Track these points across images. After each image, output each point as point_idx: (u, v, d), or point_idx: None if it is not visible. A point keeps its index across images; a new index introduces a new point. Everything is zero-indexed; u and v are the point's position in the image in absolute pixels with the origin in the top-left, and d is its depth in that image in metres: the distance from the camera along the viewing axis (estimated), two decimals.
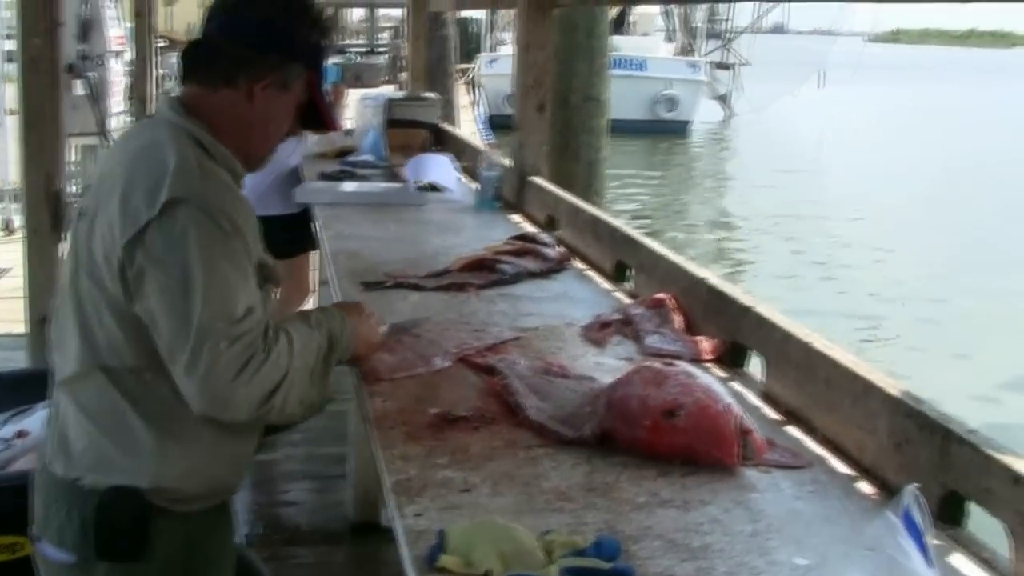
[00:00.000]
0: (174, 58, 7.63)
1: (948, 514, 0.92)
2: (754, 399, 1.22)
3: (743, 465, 1.00)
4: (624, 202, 10.14)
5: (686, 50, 20.28)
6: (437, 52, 7.55)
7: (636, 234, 1.76)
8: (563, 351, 1.35)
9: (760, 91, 19.84)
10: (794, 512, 0.93)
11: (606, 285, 1.77)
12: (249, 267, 1.04)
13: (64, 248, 2.11)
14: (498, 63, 16.09)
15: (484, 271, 1.72)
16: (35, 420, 1.59)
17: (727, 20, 23.40)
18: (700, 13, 21.12)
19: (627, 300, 1.63)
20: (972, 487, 0.89)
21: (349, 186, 2.64)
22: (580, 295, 1.67)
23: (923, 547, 0.83)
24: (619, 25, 18.64)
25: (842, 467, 1.03)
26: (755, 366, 1.29)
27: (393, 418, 1.11)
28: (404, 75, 6.30)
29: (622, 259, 1.78)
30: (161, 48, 6.53)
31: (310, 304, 3.10)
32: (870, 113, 20.95)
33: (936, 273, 7.20)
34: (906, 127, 18.24)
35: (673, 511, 0.92)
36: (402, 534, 0.87)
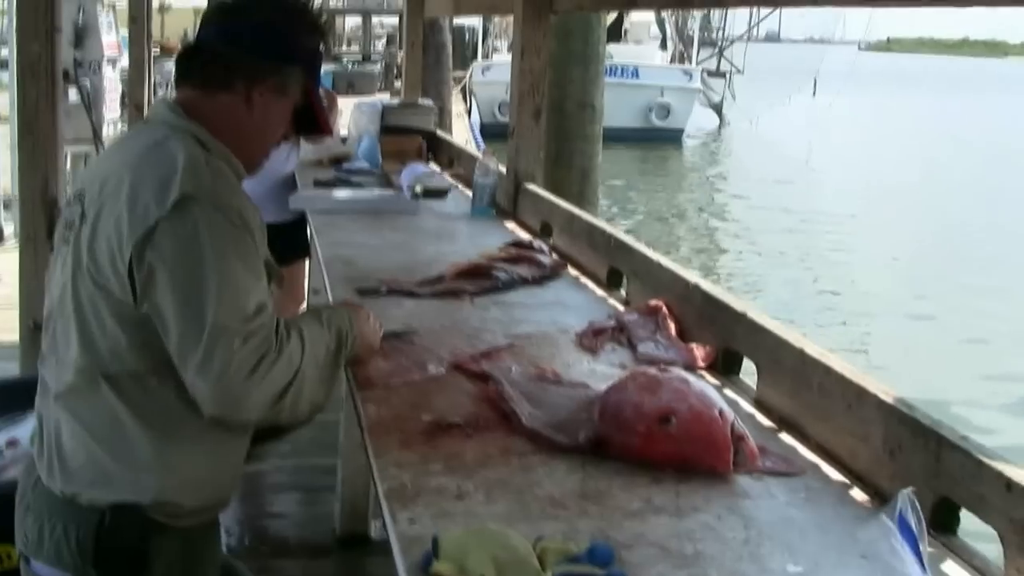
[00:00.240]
0: (168, 65, 7.63)
1: (941, 521, 0.92)
2: (747, 406, 1.22)
3: (736, 472, 1.00)
4: (623, 216, 10.17)
5: (680, 58, 20.40)
6: (432, 59, 7.57)
7: (630, 241, 1.77)
8: (557, 358, 1.36)
9: (754, 99, 19.96)
10: (787, 519, 0.93)
11: (600, 292, 1.77)
12: (260, 263, 1.03)
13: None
14: (492, 71, 16.13)
15: (479, 278, 1.72)
16: (26, 429, 1.58)
17: (721, 28, 23.57)
18: (694, 21, 21.26)
19: (621, 307, 1.63)
20: (965, 494, 0.89)
21: (343, 193, 2.65)
22: (574, 302, 1.68)
23: (917, 550, 0.84)
24: (616, 33, 18.75)
25: (835, 474, 1.04)
26: (749, 373, 1.30)
27: (387, 425, 1.10)
28: (398, 83, 6.31)
29: (616, 266, 1.79)
30: (155, 56, 6.53)
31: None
32: (862, 122, 21.10)
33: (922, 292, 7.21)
34: (898, 137, 18.36)
35: (666, 518, 0.92)
36: (396, 541, 0.86)
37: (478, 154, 2.77)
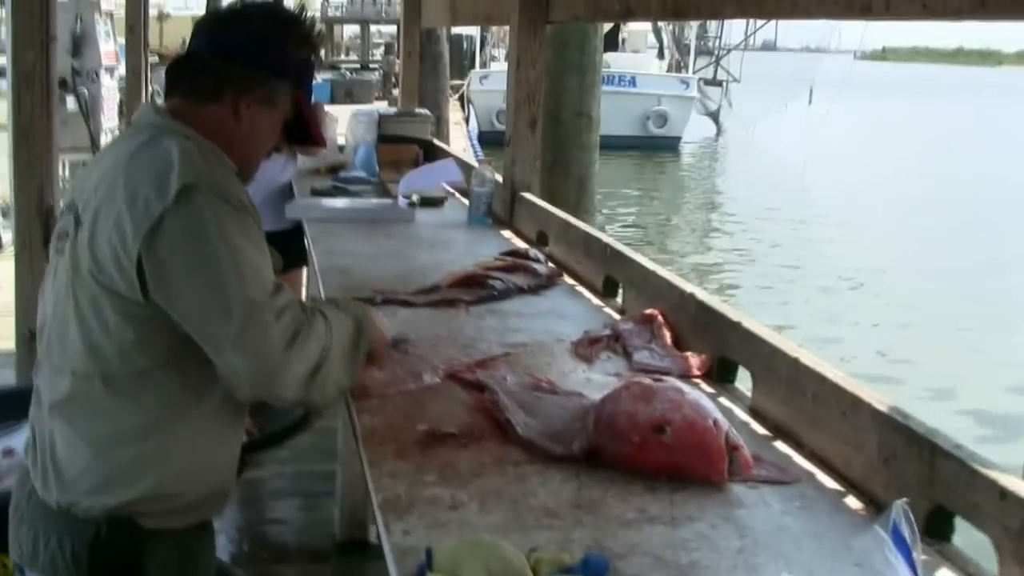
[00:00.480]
0: None
1: (936, 529, 0.92)
2: (742, 414, 1.22)
3: (731, 481, 1.00)
4: (618, 223, 10.19)
5: (677, 67, 20.51)
6: (429, 68, 7.59)
7: (625, 250, 1.77)
8: (552, 367, 1.36)
9: (750, 107, 20.06)
10: (782, 528, 0.93)
11: (596, 301, 1.77)
12: (265, 247, 1.04)
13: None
14: (489, 80, 16.20)
15: (474, 287, 1.72)
16: (22, 438, 1.57)
17: (717, 37, 23.71)
18: (691, 31, 21.39)
19: (617, 316, 1.64)
20: (959, 502, 0.89)
21: (340, 202, 2.65)
22: (570, 311, 1.68)
23: (911, 562, 0.84)
24: (613, 42, 18.85)
25: (830, 482, 1.03)
26: (744, 381, 1.30)
27: (382, 435, 1.10)
28: (396, 91, 6.33)
29: (611, 275, 1.79)
30: (153, 64, 6.55)
31: None
32: (858, 130, 21.21)
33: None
34: (893, 145, 18.46)
35: (661, 527, 0.91)
36: (389, 552, 0.86)
37: (475, 163, 2.78)
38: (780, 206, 11.55)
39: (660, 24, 20.49)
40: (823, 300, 7.42)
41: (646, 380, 1.07)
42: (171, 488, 1.05)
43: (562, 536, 0.89)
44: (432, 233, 2.32)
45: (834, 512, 0.97)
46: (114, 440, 1.03)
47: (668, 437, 0.98)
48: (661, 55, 21.43)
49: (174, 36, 14.69)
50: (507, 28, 2.71)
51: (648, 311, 1.50)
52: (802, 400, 1.12)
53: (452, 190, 2.92)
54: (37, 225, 2.17)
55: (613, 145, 14.33)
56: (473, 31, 22.09)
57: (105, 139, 5.94)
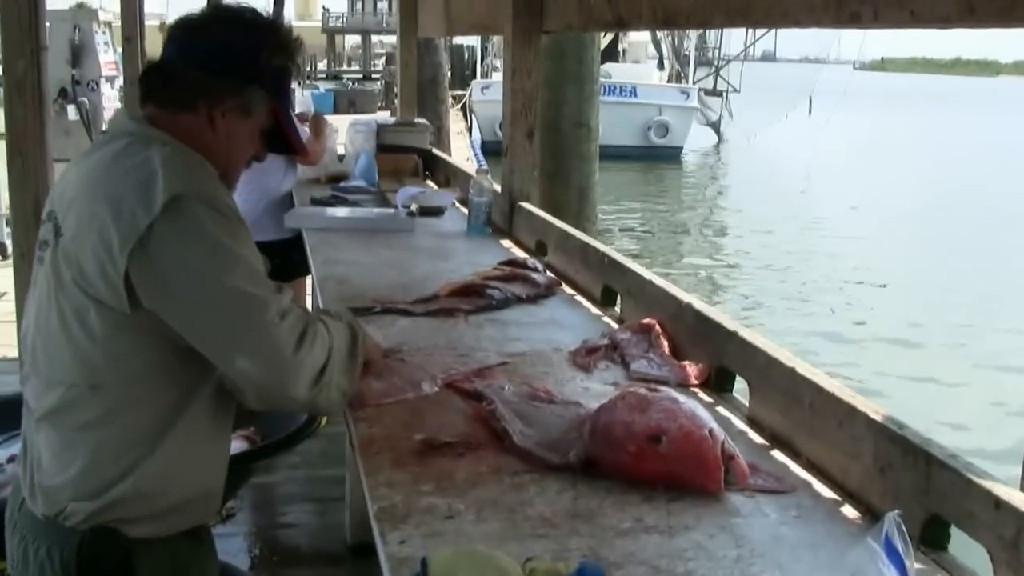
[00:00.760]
0: None
1: (932, 538, 0.92)
2: (740, 423, 1.22)
3: (728, 490, 1.00)
4: (623, 236, 10.21)
5: (677, 77, 20.61)
6: (429, 78, 7.63)
7: (623, 259, 1.77)
8: (550, 376, 1.36)
9: (750, 117, 20.13)
10: (778, 537, 0.93)
11: (594, 310, 1.78)
12: (256, 251, 1.03)
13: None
14: (491, 89, 16.28)
15: (473, 296, 1.72)
16: None
17: (717, 48, 23.83)
18: (690, 41, 21.51)
19: (615, 325, 1.64)
20: (954, 511, 0.89)
21: (339, 211, 2.66)
22: (568, 320, 1.68)
23: (904, 574, 0.84)
24: (613, 53, 18.96)
25: (827, 492, 1.03)
26: (742, 390, 1.30)
27: (379, 444, 1.10)
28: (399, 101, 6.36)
29: (609, 284, 1.79)
30: None
31: None
32: (858, 139, 21.27)
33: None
34: (892, 154, 18.51)
35: (657, 537, 0.91)
36: (385, 561, 0.86)
37: (473, 172, 2.79)
38: (784, 217, 11.58)
39: (659, 35, 20.64)
40: (828, 308, 7.42)
41: (641, 390, 1.07)
42: (152, 488, 1.03)
43: (558, 545, 0.89)
44: (432, 242, 2.33)
45: (830, 522, 0.97)
46: (101, 447, 1.02)
47: (664, 447, 0.98)
48: (661, 65, 21.55)
49: None
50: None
51: (646, 320, 1.50)
52: (799, 410, 1.12)
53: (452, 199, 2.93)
54: (34, 234, 2.17)
55: (615, 155, 14.39)
56: (474, 41, 22.23)
57: None
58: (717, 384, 1.33)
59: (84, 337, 1.00)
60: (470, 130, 16.59)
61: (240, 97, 1.08)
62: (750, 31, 20.75)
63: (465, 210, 2.59)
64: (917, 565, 0.84)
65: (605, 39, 16.75)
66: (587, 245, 1.95)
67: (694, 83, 20.19)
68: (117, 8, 5.22)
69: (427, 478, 1.01)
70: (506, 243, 2.37)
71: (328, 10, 46.94)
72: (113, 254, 0.97)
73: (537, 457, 1.06)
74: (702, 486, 0.99)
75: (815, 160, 16.74)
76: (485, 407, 1.18)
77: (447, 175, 3.42)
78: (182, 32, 1.10)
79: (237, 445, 1.83)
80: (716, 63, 23.03)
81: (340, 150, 3.50)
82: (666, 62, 21.56)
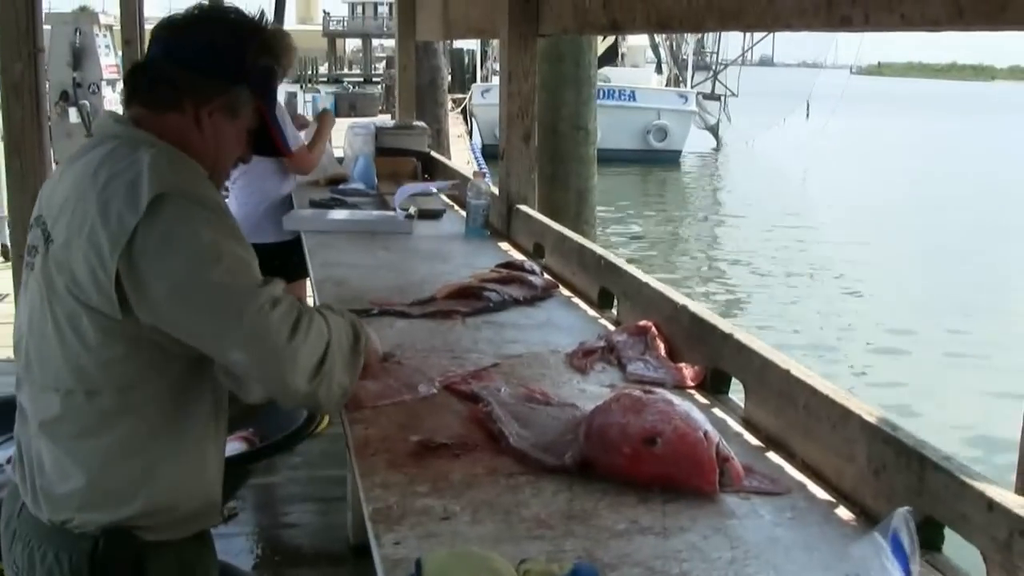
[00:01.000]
0: None
1: (926, 539, 0.92)
2: (736, 425, 1.22)
3: (723, 492, 1.00)
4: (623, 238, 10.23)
5: (675, 81, 20.66)
6: (427, 81, 7.64)
7: (619, 261, 1.78)
8: (547, 378, 1.36)
9: (748, 121, 20.18)
10: (773, 539, 0.93)
11: (592, 312, 1.78)
12: (247, 244, 1.03)
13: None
14: (491, 93, 16.30)
15: (470, 299, 1.73)
16: None
17: (715, 52, 23.90)
18: (688, 46, 21.58)
19: (611, 327, 1.64)
20: (948, 513, 0.89)
21: (337, 214, 2.66)
22: (565, 322, 1.69)
23: (908, 571, 0.84)
24: (612, 57, 19.01)
25: (821, 493, 1.04)
26: (738, 392, 1.30)
27: (374, 445, 1.11)
28: None
29: (606, 286, 1.80)
30: None
31: None
32: (855, 143, 21.33)
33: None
34: (888, 157, 18.57)
35: (652, 538, 0.92)
36: (380, 562, 0.86)
37: (471, 175, 2.80)
38: (781, 218, 11.61)
39: (658, 39, 20.69)
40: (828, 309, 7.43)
41: (636, 392, 1.07)
42: (164, 503, 1.04)
43: (553, 547, 0.89)
44: (430, 245, 2.33)
45: (825, 523, 0.97)
46: (102, 456, 1.02)
47: (659, 448, 0.98)
48: (659, 70, 21.60)
49: None
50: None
51: (642, 323, 1.50)
52: (794, 411, 1.12)
53: (450, 202, 2.94)
54: None
55: (615, 159, 14.42)
56: (474, 45, 22.26)
57: None
58: (713, 386, 1.34)
59: (78, 343, 1.00)
60: (470, 134, 16.62)
61: (226, 96, 1.07)
62: (747, 36, 20.84)
63: (463, 212, 2.60)
64: (918, 567, 0.84)
65: (604, 43, 16.83)
66: (584, 247, 1.96)
67: (692, 87, 20.24)
68: (118, 11, 5.23)
69: (423, 479, 1.02)
70: (504, 246, 2.37)
71: (329, 14, 47.05)
72: (103, 259, 0.96)
73: (533, 459, 1.06)
74: (697, 488, 0.99)
75: (813, 164, 16.79)
76: (481, 409, 1.18)
77: (446, 178, 3.43)
78: (167, 32, 1.09)
79: (236, 446, 1.83)
80: (714, 67, 23.09)
81: (338, 153, 3.51)
82: (664, 66, 21.61)
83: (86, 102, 6.26)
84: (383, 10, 39.85)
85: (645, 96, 17.63)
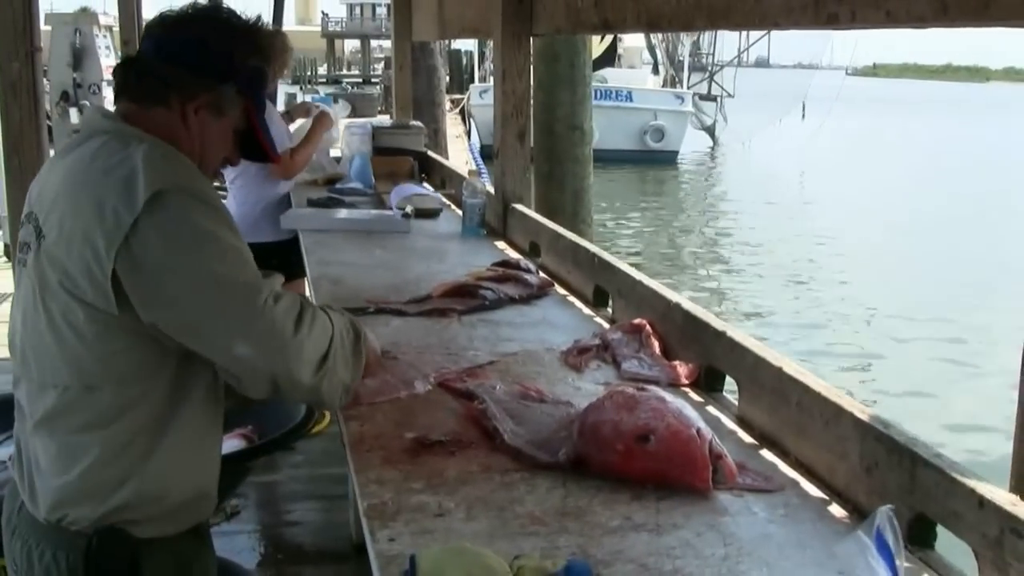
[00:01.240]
0: None
1: (919, 536, 0.93)
2: (730, 423, 1.23)
3: (716, 489, 1.00)
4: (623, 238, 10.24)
5: (672, 82, 20.70)
6: (425, 82, 7.64)
7: (613, 260, 1.78)
8: (542, 375, 1.36)
9: (745, 122, 20.23)
10: (766, 536, 0.93)
11: (587, 311, 1.79)
12: (242, 239, 1.03)
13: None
14: (489, 94, 16.31)
15: (466, 297, 1.73)
16: None
17: (711, 54, 23.95)
18: (684, 47, 21.62)
19: (606, 325, 1.65)
20: (939, 510, 0.90)
21: (335, 213, 2.67)
22: (560, 321, 1.69)
23: (893, 568, 0.84)
24: (609, 59, 19.04)
25: (814, 490, 1.04)
26: (732, 390, 1.31)
27: (370, 442, 1.11)
28: None
29: (601, 285, 1.80)
30: None
31: None
32: (850, 143, 21.40)
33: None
34: (883, 157, 18.63)
35: (646, 535, 0.92)
36: (374, 558, 0.87)
37: (466, 174, 2.80)
38: (780, 219, 11.65)
39: (654, 40, 20.72)
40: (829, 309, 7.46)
41: (629, 389, 1.07)
42: (152, 491, 1.04)
43: (547, 543, 0.89)
44: (426, 244, 2.34)
45: (818, 520, 0.98)
46: (99, 450, 1.02)
47: (652, 446, 0.99)
48: (656, 71, 21.64)
49: None
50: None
51: (636, 321, 1.51)
52: (787, 409, 1.13)
53: (447, 201, 2.95)
54: None
55: (612, 159, 14.44)
56: (472, 46, 22.28)
57: None
58: (707, 384, 1.34)
59: (74, 339, 0.99)
60: (468, 134, 16.62)
61: (212, 94, 1.08)
62: (743, 37, 20.89)
63: (459, 211, 2.60)
64: (904, 564, 0.85)
65: (601, 45, 16.87)
66: (578, 246, 1.96)
67: (689, 88, 20.28)
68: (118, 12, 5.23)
69: (417, 476, 1.02)
70: (500, 244, 2.38)
71: (327, 15, 47.04)
72: (99, 255, 0.96)
73: (527, 456, 1.06)
74: (690, 485, 0.99)
75: (809, 164, 16.84)
76: (476, 406, 1.19)
77: (442, 177, 3.43)
78: (159, 29, 1.10)
79: (235, 444, 1.83)
80: (710, 68, 23.14)
81: (335, 152, 3.51)
82: (661, 67, 21.65)
83: (86, 102, 6.26)
84: (381, 11, 39.85)
85: (642, 97, 17.66)
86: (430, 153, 3.72)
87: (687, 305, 1.43)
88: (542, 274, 1.95)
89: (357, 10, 44.35)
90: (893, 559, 0.85)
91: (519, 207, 2.43)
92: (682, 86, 20.31)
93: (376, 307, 1.67)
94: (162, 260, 0.96)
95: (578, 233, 2.19)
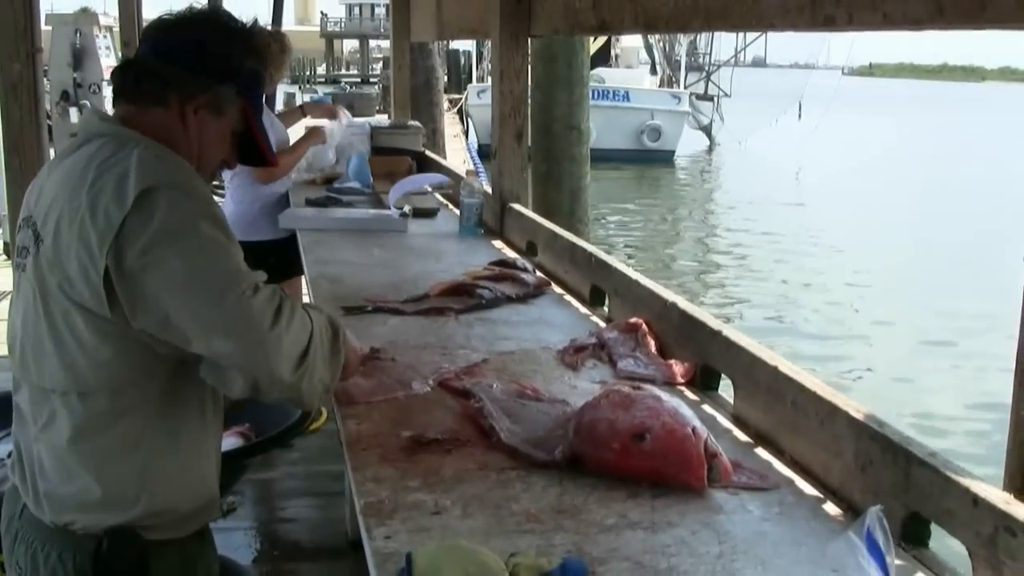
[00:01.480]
0: None
1: (913, 534, 0.93)
2: (725, 421, 1.23)
3: (712, 487, 1.01)
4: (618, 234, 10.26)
5: (669, 82, 20.73)
6: (422, 81, 7.64)
7: (610, 259, 1.79)
8: (538, 374, 1.37)
9: (741, 122, 20.25)
10: (760, 534, 0.94)
11: (583, 310, 1.79)
12: (233, 236, 1.03)
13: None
14: (487, 93, 16.26)
15: (463, 296, 1.74)
16: None
17: (707, 54, 23.97)
18: (681, 47, 21.65)
19: (603, 324, 1.65)
20: (933, 508, 0.90)
21: (333, 212, 2.67)
22: (557, 320, 1.69)
23: (884, 568, 0.85)
24: (606, 59, 19.06)
25: (809, 489, 1.05)
26: (728, 388, 1.31)
27: (367, 441, 1.11)
28: None
29: (598, 284, 1.81)
30: None
31: None
32: (846, 143, 21.44)
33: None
34: (879, 156, 18.68)
35: (641, 533, 0.92)
36: (371, 556, 0.87)
37: (464, 174, 2.81)
38: (777, 218, 11.67)
39: (651, 41, 20.73)
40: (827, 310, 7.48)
41: (625, 388, 1.08)
42: (166, 504, 1.04)
43: (543, 541, 0.90)
44: (424, 243, 2.34)
45: (812, 518, 0.98)
46: (101, 457, 1.02)
47: (648, 444, 0.99)
48: (653, 71, 21.66)
49: None
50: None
51: (633, 320, 1.51)
52: (782, 408, 1.13)
53: (444, 200, 2.95)
54: None
55: (609, 159, 14.43)
56: (470, 46, 22.27)
57: None
58: (703, 383, 1.35)
59: (73, 344, 1.00)
60: (466, 134, 16.63)
61: (211, 94, 1.08)
62: (740, 37, 20.91)
63: (457, 211, 2.61)
64: (898, 561, 0.85)
65: (596, 44, 16.87)
66: (575, 245, 1.97)
67: (686, 88, 20.30)
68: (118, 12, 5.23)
69: (414, 474, 1.02)
70: (498, 244, 2.38)
71: (326, 15, 47.01)
72: (93, 255, 0.96)
73: (523, 454, 1.07)
74: (685, 483, 1.00)
75: (806, 163, 16.87)
76: (473, 404, 1.19)
77: None
78: (156, 31, 1.11)
79: (232, 441, 1.83)
80: (707, 68, 23.16)
81: (331, 156, 3.50)
82: (658, 67, 21.67)
83: (86, 102, 6.25)
84: (380, 11, 39.84)
85: (639, 97, 17.68)
86: (428, 153, 3.72)
87: (683, 304, 1.44)
88: (539, 273, 1.95)
89: (356, 10, 44.35)
90: (884, 559, 0.85)
91: (516, 206, 2.44)
92: (679, 86, 20.33)
93: (374, 306, 1.67)
94: (144, 255, 0.96)
95: (575, 232, 2.19)
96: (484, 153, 13.25)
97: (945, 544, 0.93)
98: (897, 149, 20.76)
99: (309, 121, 3.27)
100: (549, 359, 1.44)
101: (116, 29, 6.01)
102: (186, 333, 0.98)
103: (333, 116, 3.23)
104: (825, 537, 0.93)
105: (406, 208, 2.62)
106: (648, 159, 16.90)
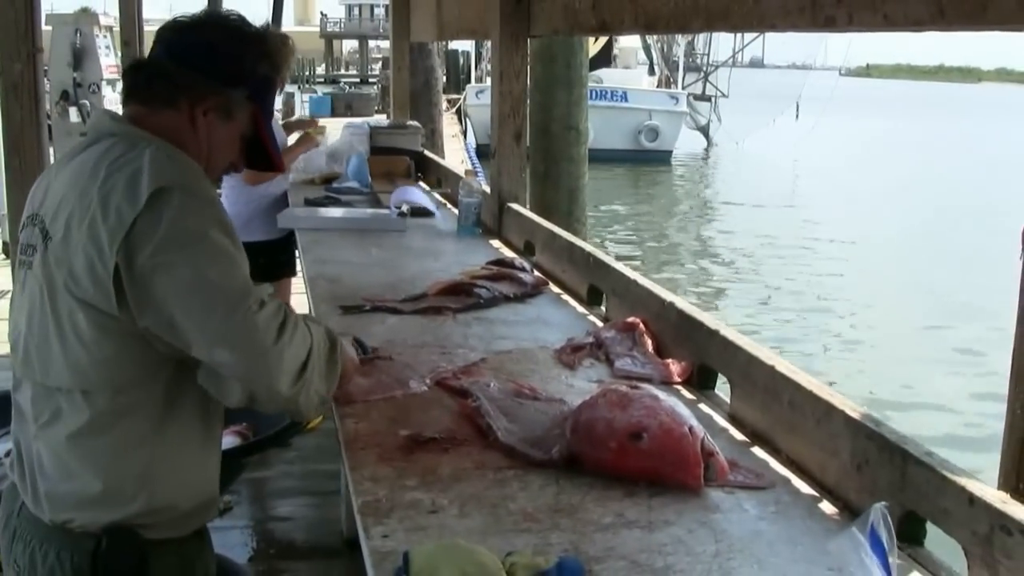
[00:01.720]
0: None
1: (908, 533, 0.93)
2: (722, 421, 1.24)
3: (708, 486, 1.01)
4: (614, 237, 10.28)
5: (667, 82, 20.74)
6: (422, 82, 7.64)
7: (608, 259, 1.79)
8: (536, 373, 1.37)
9: (739, 122, 20.26)
10: (757, 533, 0.94)
11: (580, 309, 1.79)
12: (239, 243, 1.03)
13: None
14: (486, 94, 16.30)
15: (461, 295, 1.74)
16: None
17: (705, 54, 23.99)
18: (679, 48, 21.66)
19: (600, 324, 1.65)
20: (929, 507, 0.91)
21: (331, 212, 2.67)
22: (555, 319, 1.70)
23: (886, 565, 0.85)
24: (605, 59, 19.08)
25: (805, 488, 1.05)
26: (724, 388, 1.32)
27: (365, 440, 1.11)
28: None
29: (595, 283, 1.81)
30: None
31: None
32: (843, 143, 21.48)
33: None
34: (876, 156, 18.71)
35: (638, 532, 0.93)
36: (368, 555, 0.87)
37: (462, 174, 2.81)
38: (774, 218, 11.70)
39: (649, 41, 20.74)
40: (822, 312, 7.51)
41: (622, 387, 1.08)
42: (165, 502, 1.04)
43: (540, 540, 0.90)
44: (422, 243, 2.34)
45: (808, 517, 0.98)
46: (102, 456, 1.02)
47: (645, 443, 0.99)
48: (651, 71, 21.67)
49: None
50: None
51: (630, 319, 1.51)
52: (778, 407, 1.14)
53: (443, 200, 2.95)
54: None
55: (607, 158, 14.44)
56: (469, 47, 22.28)
57: None
58: (700, 382, 1.35)
59: (77, 342, 1.00)
60: (465, 134, 16.63)
61: (222, 97, 1.09)
62: (738, 38, 20.92)
63: (455, 210, 2.61)
64: (896, 561, 0.86)
65: (596, 45, 16.88)
66: (573, 245, 1.97)
67: (683, 88, 20.31)
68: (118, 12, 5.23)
69: (411, 473, 1.02)
70: (496, 243, 2.38)
71: (326, 15, 46.99)
72: (103, 253, 0.97)
73: (520, 453, 1.07)
74: (682, 482, 1.00)
75: (803, 163, 16.90)
76: (470, 404, 1.19)
77: (439, 176, 3.44)
78: (170, 33, 1.11)
79: (230, 440, 1.83)
80: (705, 69, 23.18)
81: (323, 162, 3.49)
82: (656, 68, 21.68)
83: (86, 102, 6.25)
84: (379, 12, 39.84)
85: (637, 97, 17.70)
86: (427, 153, 3.73)
87: (681, 304, 1.44)
88: (537, 273, 1.95)
89: (355, 11, 44.34)
90: (886, 556, 0.85)
91: (515, 206, 2.44)
92: (677, 86, 20.34)
93: (372, 305, 1.68)
94: (155, 256, 0.97)
95: (573, 232, 2.19)
96: (482, 153, 13.26)
97: (941, 543, 0.93)
98: (893, 149, 20.79)
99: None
100: (547, 358, 1.44)
101: (116, 29, 6.01)
102: (189, 339, 0.98)
103: (315, 145, 3.19)
104: (821, 536, 0.94)
105: (404, 208, 2.62)
106: (645, 159, 16.92)
